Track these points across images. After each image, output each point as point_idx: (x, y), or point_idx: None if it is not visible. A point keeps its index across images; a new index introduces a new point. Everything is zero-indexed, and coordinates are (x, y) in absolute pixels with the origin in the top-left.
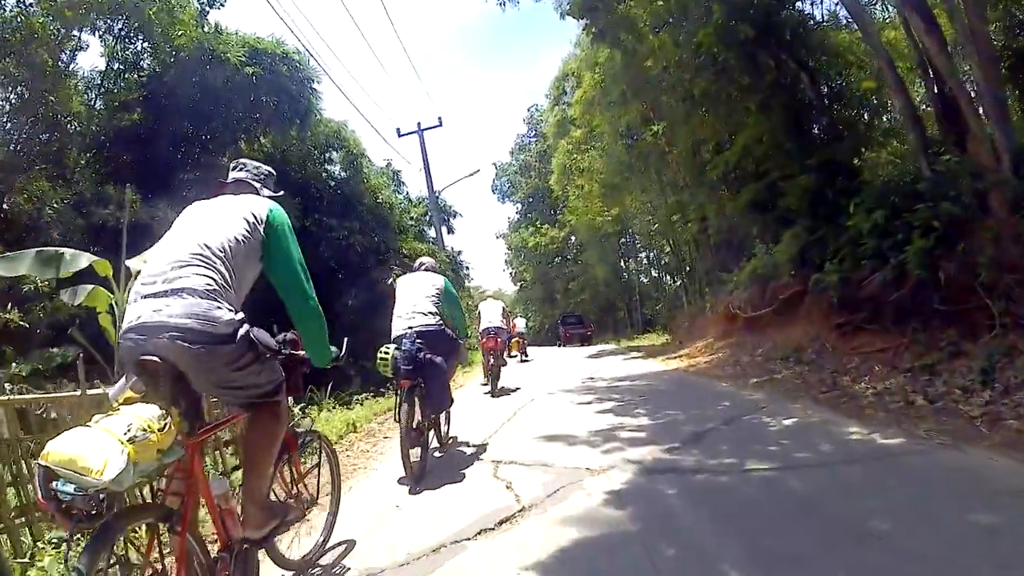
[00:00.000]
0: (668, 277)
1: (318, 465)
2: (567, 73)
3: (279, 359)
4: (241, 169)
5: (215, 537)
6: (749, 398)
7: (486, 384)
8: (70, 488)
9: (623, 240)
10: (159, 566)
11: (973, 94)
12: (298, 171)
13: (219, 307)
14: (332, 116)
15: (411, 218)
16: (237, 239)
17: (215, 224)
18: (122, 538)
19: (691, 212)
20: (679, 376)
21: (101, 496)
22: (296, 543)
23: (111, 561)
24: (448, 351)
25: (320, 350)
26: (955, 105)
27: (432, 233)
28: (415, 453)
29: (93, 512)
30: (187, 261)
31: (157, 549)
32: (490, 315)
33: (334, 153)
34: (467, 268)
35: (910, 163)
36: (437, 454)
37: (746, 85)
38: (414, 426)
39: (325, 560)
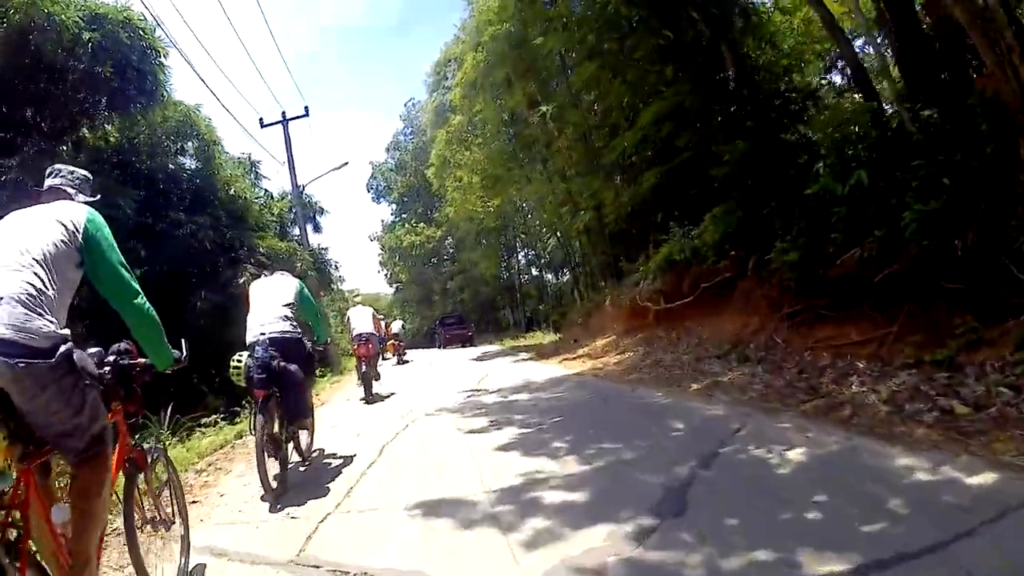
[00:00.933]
0: (552, 274)
1: (167, 481)
2: (449, 58)
3: (109, 378)
4: (56, 176)
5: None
6: (708, 414)
7: (360, 386)
8: None
9: (503, 237)
10: None
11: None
12: (145, 161)
13: (38, 317)
14: (184, 99)
15: (272, 214)
16: (56, 245)
17: (32, 232)
18: None
19: (584, 201)
20: (590, 383)
21: None
22: (159, 570)
23: None
24: (304, 359)
25: (159, 353)
26: (933, 49)
27: (297, 231)
28: (273, 467)
29: None
30: (3, 270)
31: None
32: (359, 321)
33: (188, 143)
34: (335, 266)
35: (871, 118)
36: (301, 468)
37: (658, 47)
38: (271, 438)
39: None
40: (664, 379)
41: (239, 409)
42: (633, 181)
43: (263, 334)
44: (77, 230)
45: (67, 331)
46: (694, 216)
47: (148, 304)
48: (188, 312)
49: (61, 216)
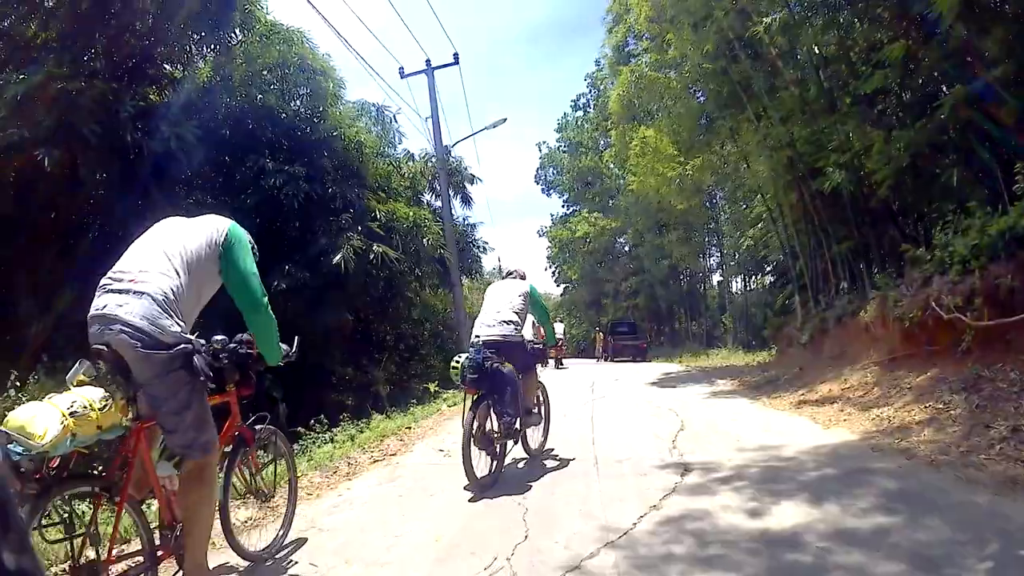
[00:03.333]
0: (741, 279)
1: (274, 461)
2: None
3: (226, 362)
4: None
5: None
6: None
7: None
8: (19, 449)
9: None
10: (92, 530)
11: None
12: (236, 97)
13: (168, 316)
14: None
15: (402, 176)
16: (199, 254)
17: (180, 239)
18: (61, 501)
19: (828, 157)
20: (929, 483)
21: (48, 461)
22: (258, 535)
23: (55, 520)
24: (525, 360)
25: (271, 350)
26: None
27: (438, 203)
28: (483, 463)
29: (38, 474)
30: (151, 267)
31: (96, 516)
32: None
33: (293, 77)
34: (483, 247)
35: None
36: (519, 465)
37: None
38: (481, 434)
39: (282, 553)
40: None
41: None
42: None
43: (478, 336)
44: (219, 241)
45: (191, 336)
46: None
47: (269, 311)
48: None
49: (208, 229)
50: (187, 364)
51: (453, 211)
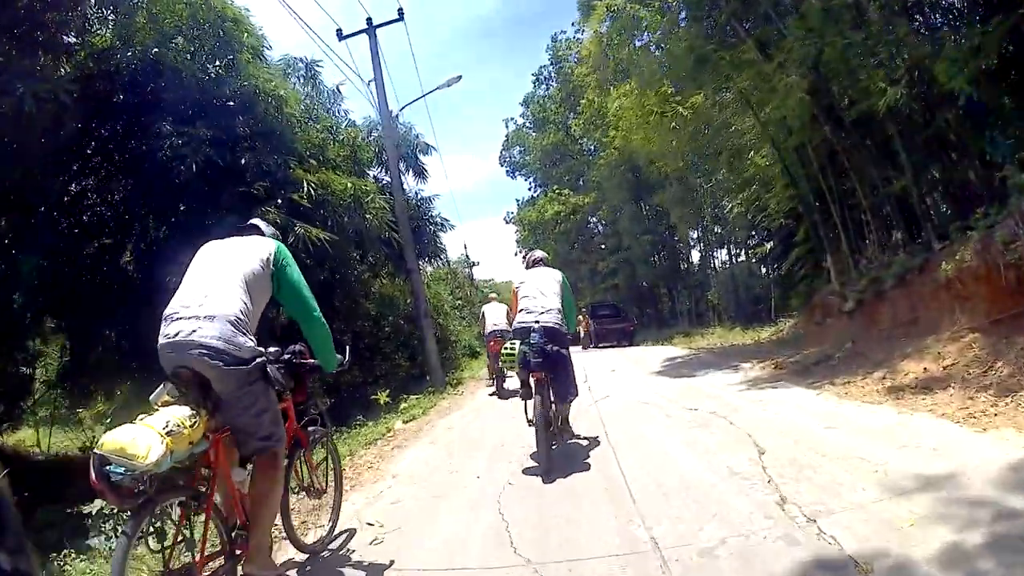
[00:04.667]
0: (727, 250)
1: (326, 460)
2: None
3: (282, 371)
4: (256, 218)
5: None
6: None
7: (491, 385)
8: (120, 470)
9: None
10: (187, 536)
11: None
12: (135, 62)
13: (242, 334)
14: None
15: (340, 144)
16: (255, 273)
17: (235, 261)
18: (159, 512)
19: (871, 72)
20: None
21: (144, 477)
22: (312, 528)
23: (149, 530)
24: (567, 345)
25: (327, 357)
26: None
27: (386, 177)
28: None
29: (136, 490)
30: (216, 292)
31: (187, 523)
32: (494, 318)
33: (207, 36)
34: (441, 223)
35: None
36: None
37: None
38: (545, 417)
39: (334, 544)
40: None
41: None
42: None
43: (538, 322)
44: (270, 261)
45: (261, 348)
46: None
47: (322, 318)
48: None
49: (258, 249)
50: (264, 375)
51: (405, 185)
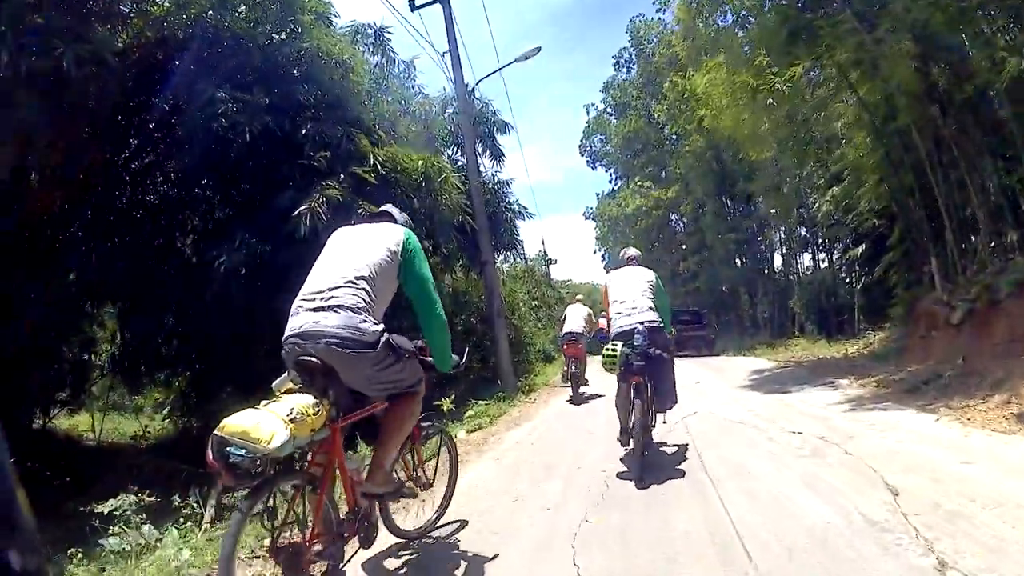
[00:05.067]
0: (812, 253)
1: (437, 455)
2: None
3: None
4: (386, 208)
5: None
6: None
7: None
8: (240, 452)
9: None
10: (298, 516)
11: None
12: (198, 28)
13: (365, 320)
14: None
15: (415, 120)
16: (381, 264)
17: (362, 250)
18: (274, 493)
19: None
20: None
21: (258, 460)
22: (413, 516)
23: (262, 509)
24: (667, 347)
25: (443, 357)
26: None
27: (460, 158)
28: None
29: (253, 472)
30: (341, 283)
31: (301, 505)
32: (573, 321)
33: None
34: (520, 210)
35: None
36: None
37: None
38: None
39: (436, 534)
40: None
41: None
42: None
43: (642, 323)
44: (399, 250)
45: (383, 326)
46: None
47: (443, 315)
48: (198, 267)
49: (387, 237)
50: (392, 351)
51: (481, 168)
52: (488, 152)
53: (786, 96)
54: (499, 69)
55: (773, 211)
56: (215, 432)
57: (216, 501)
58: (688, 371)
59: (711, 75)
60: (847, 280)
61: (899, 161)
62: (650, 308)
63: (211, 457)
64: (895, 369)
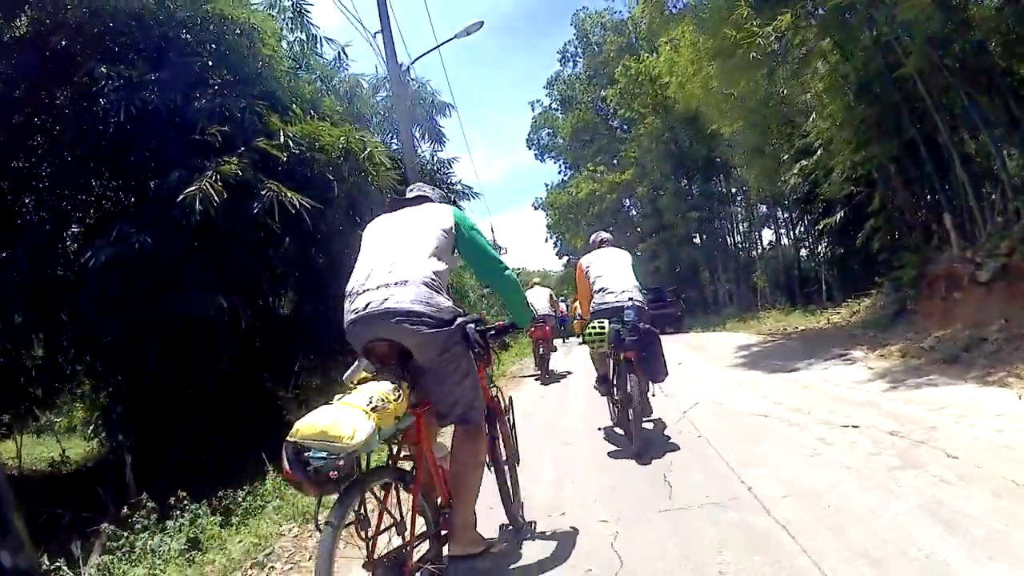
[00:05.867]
0: (775, 227)
1: (514, 426)
2: None
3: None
4: (418, 190)
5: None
6: None
7: (537, 380)
8: (322, 455)
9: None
10: (396, 519)
11: None
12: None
13: (439, 295)
14: None
15: (339, 96)
16: (439, 238)
17: (415, 230)
18: (365, 497)
19: None
20: None
21: (342, 461)
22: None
23: (353, 518)
24: (652, 322)
25: (521, 312)
26: None
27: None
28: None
29: (338, 477)
30: (406, 256)
31: (392, 506)
32: (537, 303)
33: None
34: (462, 190)
35: None
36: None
37: None
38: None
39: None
40: None
41: None
42: None
43: (631, 299)
44: (451, 225)
45: (460, 308)
46: None
47: (512, 273)
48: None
49: (436, 216)
50: (465, 337)
51: (420, 151)
52: (427, 136)
53: (769, 52)
54: (438, 47)
55: (756, 175)
56: (288, 439)
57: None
58: (667, 350)
59: (684, 38)
60: (816, 252)
61: (891, 120)
62: (636, 286)
63: (287, 468)
64: (915, 336)
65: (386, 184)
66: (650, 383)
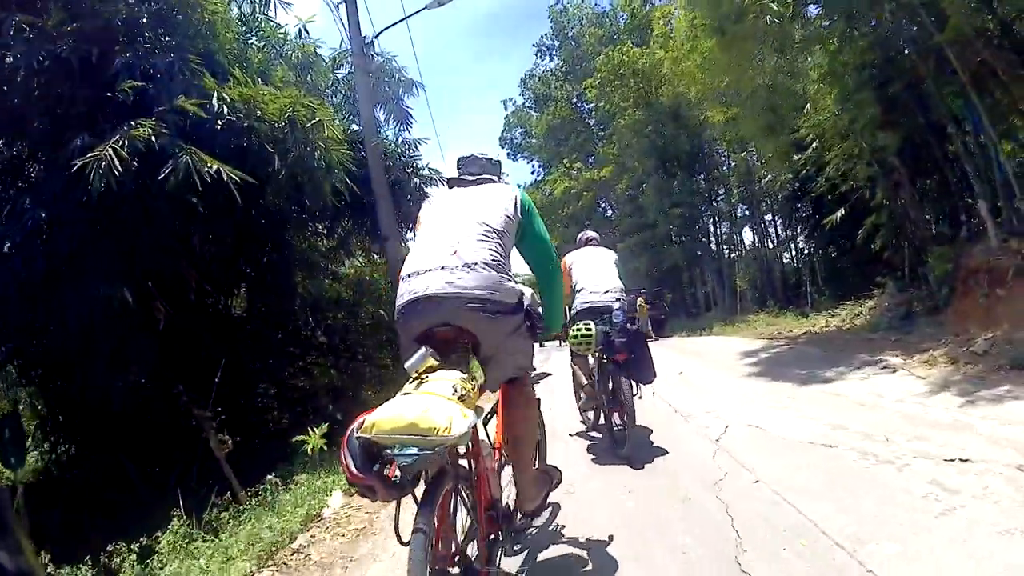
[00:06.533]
0: (761, 228)
1: (541, 418)
2: None
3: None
4: (479, 165)
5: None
6: None
7: None
8: (412, 452)
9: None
10: (466, 522)
11: None
12: None
13: (507, 279)
14: None
15: (283, 60)
16: (503, 220)
17: (484, 208)
18: (452, 498)
19: None
20: None
21: (434, 458)
22: None
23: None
24: (636, 323)
25: (557, 315)
26: None
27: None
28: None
29: (411, 478)
30: (471, 238)
31: (458, 507)
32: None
33: None
34: (430, 176)
35: None
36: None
37: None
38: (615, 397)
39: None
40: None
41: None
42: None
43: (617, 300)
44: (515, 206)
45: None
46: None
47: (560, 271)
48: None
49: (501, 196)
50: (530, 319)
51: (382, 129)
52: (393, 117)
53: (782, 22)
54: (405, 18)
55: (770, 156)
56: (357, 435)
57: None
58: (659, 357)
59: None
60: (802, 252)
61: (904, 106)
62: (621, 288)
63: (354, 471)
64: (957, 340)
65: (336, 160)
66: (638, 386)
